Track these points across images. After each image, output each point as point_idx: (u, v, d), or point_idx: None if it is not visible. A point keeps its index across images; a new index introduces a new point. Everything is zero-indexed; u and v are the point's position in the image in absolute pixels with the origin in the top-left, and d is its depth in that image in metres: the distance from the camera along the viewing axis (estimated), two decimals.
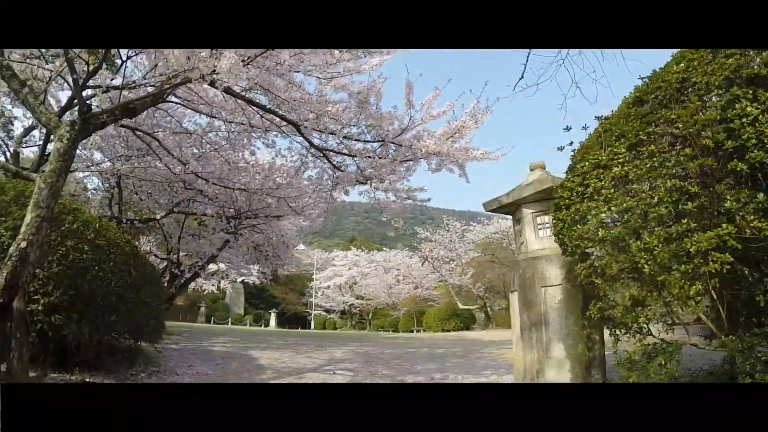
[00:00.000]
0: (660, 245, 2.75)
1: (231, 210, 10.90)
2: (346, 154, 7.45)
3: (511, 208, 4.90)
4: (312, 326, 41.21)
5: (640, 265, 2.82)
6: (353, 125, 6.99)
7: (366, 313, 41.20)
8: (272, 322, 36.37)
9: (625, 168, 3.08)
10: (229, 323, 32.93)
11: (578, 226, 3.31)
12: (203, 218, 11.15)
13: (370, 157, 7.19)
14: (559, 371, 4.06)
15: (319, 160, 8.23)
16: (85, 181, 12.86)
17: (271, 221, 12.24)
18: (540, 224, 4.54)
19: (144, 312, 6.01)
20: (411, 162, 7.42)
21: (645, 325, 3.12)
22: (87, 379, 4.93)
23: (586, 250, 3.32)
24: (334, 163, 7.44)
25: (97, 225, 5.39)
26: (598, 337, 4.07)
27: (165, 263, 12.03)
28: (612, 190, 3.13)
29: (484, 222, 28.32)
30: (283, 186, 9.00)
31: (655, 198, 2.83)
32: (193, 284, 29.26)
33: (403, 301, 36.77)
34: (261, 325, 34.77)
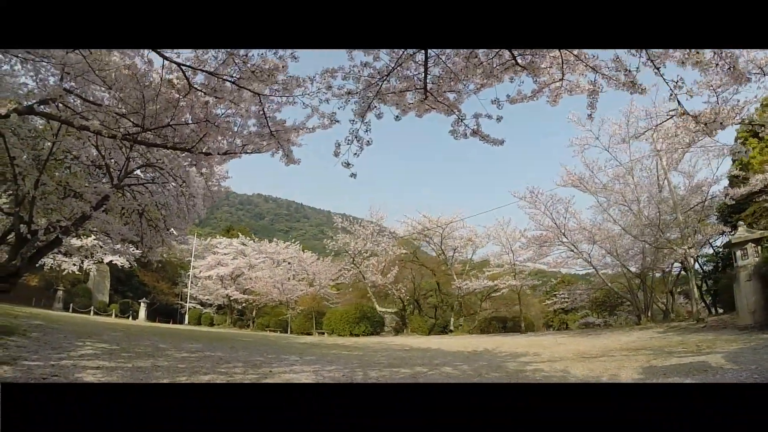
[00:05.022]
0: None
1: (130, 122, 6.26)
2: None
3: None
4: (186, 321, 34.44)
5: None
6: None
7: (249, 309, 35.85)
8: (141, 313, 30.54)
9: None
10: (92, 312, 26.64)
11: None
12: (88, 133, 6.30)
13: None
14: None
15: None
16: None
17: (189, 164, 7.69)
18: None
19: None
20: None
21: None
22: None
23: None
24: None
25: None
26: None
27: (11, 221, 7.14)
28: None
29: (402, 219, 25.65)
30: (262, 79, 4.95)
31: None
32: (51, 261, 21.37)
33: (299, 299, 32.45)
34: (128, 317, 28.75)
